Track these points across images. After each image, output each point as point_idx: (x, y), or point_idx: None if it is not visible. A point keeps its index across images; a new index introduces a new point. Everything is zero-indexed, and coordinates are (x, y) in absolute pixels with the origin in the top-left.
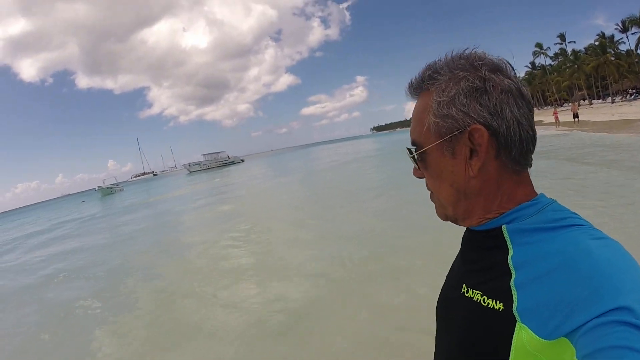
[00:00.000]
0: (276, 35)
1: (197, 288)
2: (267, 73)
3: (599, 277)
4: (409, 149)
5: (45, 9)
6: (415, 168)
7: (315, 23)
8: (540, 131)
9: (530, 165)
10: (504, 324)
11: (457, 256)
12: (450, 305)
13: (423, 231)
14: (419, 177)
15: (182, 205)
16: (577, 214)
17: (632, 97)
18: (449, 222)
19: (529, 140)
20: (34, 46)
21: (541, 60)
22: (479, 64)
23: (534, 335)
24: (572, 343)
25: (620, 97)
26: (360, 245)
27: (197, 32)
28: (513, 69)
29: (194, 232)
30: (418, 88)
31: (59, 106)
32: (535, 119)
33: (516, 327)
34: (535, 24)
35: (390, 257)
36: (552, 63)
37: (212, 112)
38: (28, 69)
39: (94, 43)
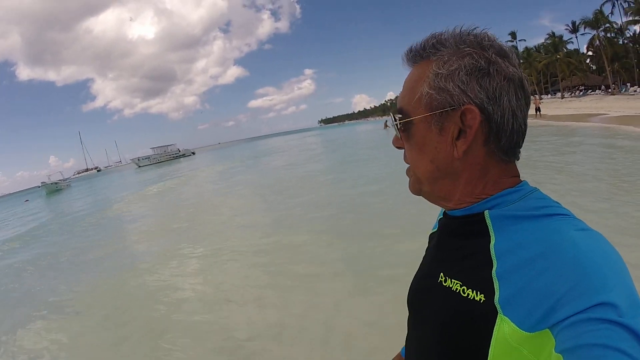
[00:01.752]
0: (225, 27)
1: None
2: (215, 65)
3: (583, 270)
4: (394, 116)
5: None
6: (396, 137)
7: (266, 15)
8: None
9: (518, 158)
10: (485, 316)
11: (430, 242)
12: (426, 294)
13: None
14: (398, 148)
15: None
16: (559, 203)
17: (581, 93)
18: (421, 197)
19: (520, 133)
20: None
21: None
22: (487, 45)
23: (516, 327)
24: (553, 335)
25: (569, 93)
26: None
27: (145, 22)
28: (518, 59)
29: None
30: (417, 55)
31: None
32: None
33: (497, 319)
34: (482, 20)
35: None
36: None
37: (158, 105)
38: None
39: (38, 32)
